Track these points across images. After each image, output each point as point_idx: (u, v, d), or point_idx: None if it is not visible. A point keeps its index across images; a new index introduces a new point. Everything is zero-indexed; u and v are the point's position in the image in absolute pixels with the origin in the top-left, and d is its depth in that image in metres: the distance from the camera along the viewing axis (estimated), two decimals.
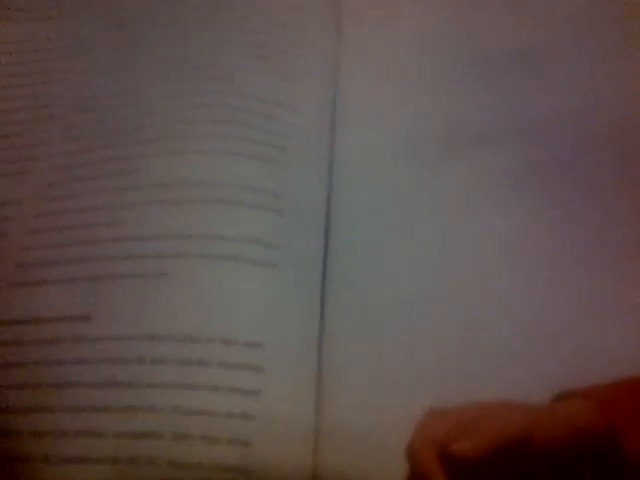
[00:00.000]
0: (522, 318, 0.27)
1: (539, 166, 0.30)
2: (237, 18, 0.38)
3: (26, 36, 0.38)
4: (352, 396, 0.25)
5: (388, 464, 0.23)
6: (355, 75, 0.36)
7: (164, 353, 0.25)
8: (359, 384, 0.25)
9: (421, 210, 0.30)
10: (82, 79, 0.36)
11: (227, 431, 0.23)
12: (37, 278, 0.27)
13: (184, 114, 0.33)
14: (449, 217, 0.30)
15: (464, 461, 0.22)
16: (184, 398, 0.24)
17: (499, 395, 0.24)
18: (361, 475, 0.24)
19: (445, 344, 0.26)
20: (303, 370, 0.25)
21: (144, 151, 0.31)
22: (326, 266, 0.28)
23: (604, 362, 0.25)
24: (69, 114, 0.34)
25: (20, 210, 0.30)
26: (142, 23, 0.38)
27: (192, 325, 0.25)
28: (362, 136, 0.33)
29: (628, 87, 0.33)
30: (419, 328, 0.27)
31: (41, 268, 0.28)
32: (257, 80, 0.34)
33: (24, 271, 0.28)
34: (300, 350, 0.26)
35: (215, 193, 0.29)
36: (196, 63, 0.35)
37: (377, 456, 0.24)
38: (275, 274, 0.27)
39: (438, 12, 0.38)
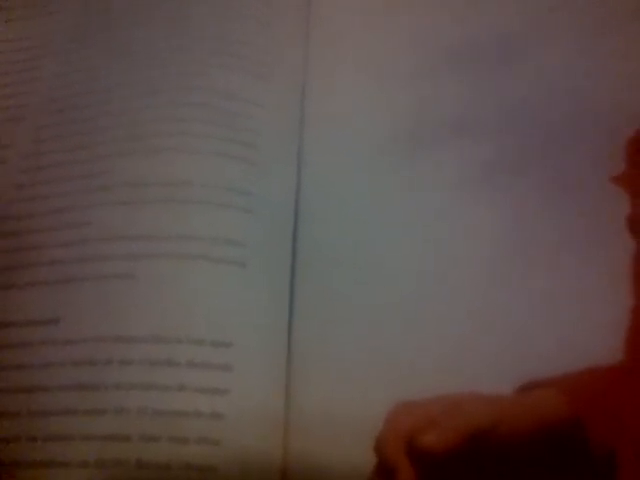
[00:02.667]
0: (494, 312, 0.27)
1: (518, 157, 0.30)
2: (208, 14, 0.38)
3: (7, 36, 0.38)
4: (322, 393, 0.25)
5: (358, 458, 0.24)
6: (325, 70, 0.35)
7: (132, 354, 0.25)
8: (329, 381, 0.26)
9: (395, 208, 0.30)
10: (55, 79, 0.35)
11: (196, 431, 0.24)
12: (4, 282, 0.27)
13: (154, 112, 0.33)
14: (425, 213, 0.30)
15: (430, 453, 0.22)
16: (152, 399, 0.24)
17: (468, 387, 0.24)
18: (331, 470, 0.24)
19: (414, 338, 0.26)
20: (272, 368, 0.25)
21: (113, 151, 0.31)
22: (295, 265, 0.28)
23: (571, 353, 0.25)
24: (40, 115, 0.34)
25: None
26: (116, 22, 0.38)
27: (160, 325, 0.25)
28: (333, 132, 0.33)
29: (602, 76, 0.33)
30: (388, 322, 0.27)
31: (8, 271, 0.28)
32: (227, 77, 0.34)
33: None
34: (269, 348, 0.26)
35: (183, 192, 0.29)
36: (166, 61, 0.35)
37: (347, 451, 0.24)
38: (243, 273, 0.27)
39: (412, 4, 0.38)
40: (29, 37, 0.38)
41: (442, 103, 0.33)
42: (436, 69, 0.34)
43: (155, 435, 0.23)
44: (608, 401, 0.23)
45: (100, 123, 0.33)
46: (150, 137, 0.32)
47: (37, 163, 0.32)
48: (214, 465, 0.23)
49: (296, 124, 0.33)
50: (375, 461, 0.23)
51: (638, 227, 0.27)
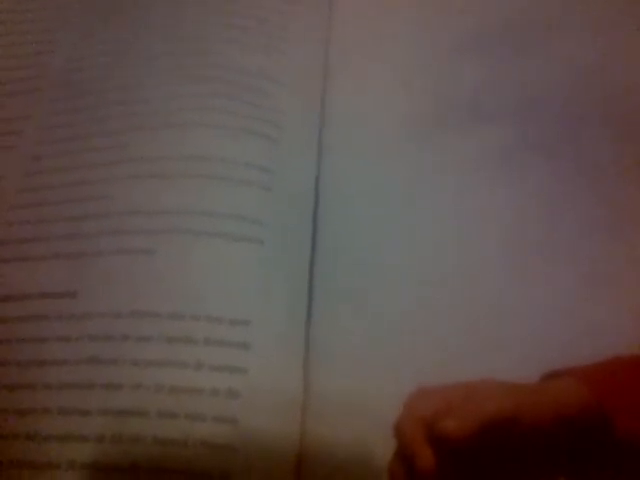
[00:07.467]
0: (514, 298, 0.26)
1: (536, 143, 0.30)
2: None
3: (24, 7, 0.37)
4: (339, 373, 0.25)
5: (376, 441, 0.23)
6: (346, 52, 0.35)
7: (149, 330, 0.25)
8: (346, 361, 0.25)
9: (413, 189, 0.30)
10: (70, 52, 0.35)
11: (213, 408, 0.23)
12: (21, 254, 0.27)
13: (173, 88, 0.32)
14: (442, 197, 0.29)
15: (451, 440, 0.22)
16: (169, 375, 0.24)
17: (487, 374, 0.24)
18: (348, 451, 0.24)
19: (434, 323, 0.26)
20: (290, 347, 0.25)
21: (133, 125, 0.31)
22: (315, 244, 0.28)
23: (593, 342, 0.25)
24: (57, 87, 0.33)
25: (3, 185, 0.29)
26: None
27: (178, 302, 0.25)
28: (353, 114, 0.33)
29: (620, 60, 0.33)
30: (407, 306, 0.26)
31: (25, 244, 0.27)
32: (249, 54, 0.34)
33: (7, 247, 0.27)
34: (287, 327, 0.26)
35: (204, 168, 0.29)
36: (186, 36, 0.35)
37: (365, 433, 0.24)
38: (262, 251, 0.27)
39: None
40: (45, 9, 0.37)
41: (461, 87, 0.33)
42: (454, 54, 0.34)
43: (172, 412, 0.23)
44: (632, 391, 0.23)
45: (116, 97, 0.32)
46: (167, 112, 0.31)
47: (53, 135, 0.31)
48: (230, 443, 0.23)
49: (318, 104, 0.32)
50: (393, 446, 0.23)
51: None
